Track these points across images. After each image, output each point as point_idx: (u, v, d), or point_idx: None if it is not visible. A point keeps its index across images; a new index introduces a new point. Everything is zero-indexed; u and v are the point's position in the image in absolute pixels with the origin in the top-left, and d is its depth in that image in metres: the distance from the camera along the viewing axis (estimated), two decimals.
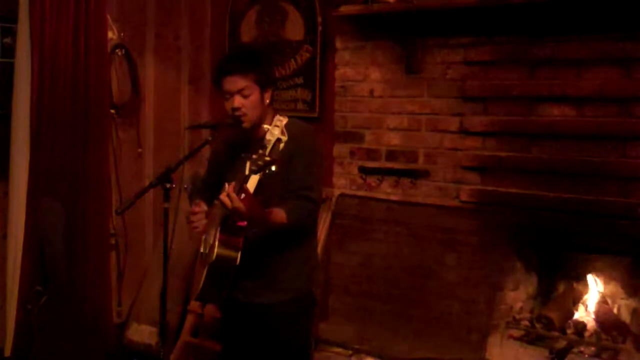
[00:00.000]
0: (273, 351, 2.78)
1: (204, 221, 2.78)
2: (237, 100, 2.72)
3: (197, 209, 2.78)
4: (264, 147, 2.41)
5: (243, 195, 2.49)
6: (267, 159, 2.39)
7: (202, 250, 2.82)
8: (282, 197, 2.66)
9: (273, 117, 2.83)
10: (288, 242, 2.73)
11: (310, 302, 2.88)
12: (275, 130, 2.74)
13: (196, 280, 2.84)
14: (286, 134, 2.46)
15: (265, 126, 2.73)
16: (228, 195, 2.48)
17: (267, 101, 2.79)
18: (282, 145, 2.41)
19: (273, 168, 2.40)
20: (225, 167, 2.87)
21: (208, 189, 2.96)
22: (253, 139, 2.80)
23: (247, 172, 2.44)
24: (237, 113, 2.73)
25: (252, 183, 2.59)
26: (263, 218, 2.58)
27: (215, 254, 2.60)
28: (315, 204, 2.77)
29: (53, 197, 4.00)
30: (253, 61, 2.79)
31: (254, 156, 2.44)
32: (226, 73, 2.75)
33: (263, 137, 2.76)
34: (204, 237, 2.81)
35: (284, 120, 2.81)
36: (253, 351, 2.83)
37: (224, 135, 2.90)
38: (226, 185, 2.65)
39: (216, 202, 2.82)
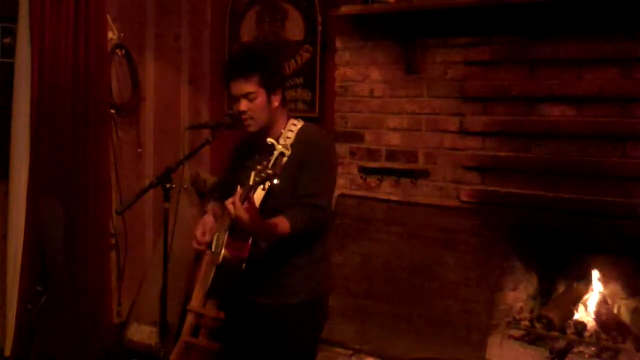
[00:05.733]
0: (279, 353, 2.76)
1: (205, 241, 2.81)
2: (243, 104, 2.69)
3: (200, 239, 2.81)
4: (268, 159, 2.38)
5: (246, 204, 2.48)
6: (269, 172, 2.36)
7: (212, 248, 2.81)
8: (289, 204, 2.64)
9: (287, 120, 2.80)
10: (297, 246, 2.70)
11: (319, 306, 2.85)
12: (288, 134, 2.73)
13: (206, 275, 2.85)
14: (290, 149, 2.41)
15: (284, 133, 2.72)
16: (233, 203, 2.47)
17: (276, 104, 2.74)
18: (285, 159, 2.37)
19: (275, 181, 2.36)
20: (238, 169, 2.85)
21: (224, 189, 2.93)
22: (265, 142, 2.78)
23: (250, 182, 2.42)
24: (243, 117, 2.71)
25: (260, 192, 2.58)
26: (264, 229, 2.55)
27: (221, 257, 2.60)
28: (322, 211, 2.70)
29: (53, 197, 4.00)
30: (256, 64, 2.72)
31: (259, 167, 2.40)
32: (231, 77, 2.72)
33: (276, 141, 2.74)
34: (216, 235, 2.80)
35: (299, 125, 2.78)
36: (258, 353, 2.81)
37: (245, 135, 2.87)
38: (239, 188, 2.63)
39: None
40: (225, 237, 2.62)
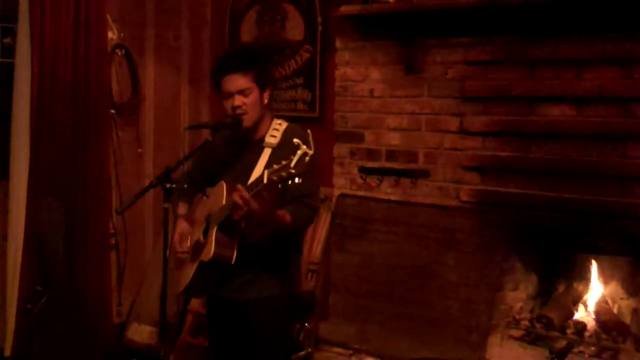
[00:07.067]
0: (255, 346, 2.79)
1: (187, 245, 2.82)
2: (238, 99, 2.73)
3: (178, 248, 2.81)
4: (290, 159, 2.38)
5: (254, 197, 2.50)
6: (292, 171, 2.37)
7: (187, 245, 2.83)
8: (282, 202, 2.66)
9: (271, 119, 2.84)
10: (277, 243, 2.73)
11: (291, 300, 2.89)
12: (274, 133, 2.75)
13: (183, 274, 2.84)
14: (312, 147, 2.41)
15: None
16: (242, 197, 2.49)
17: (266, 101, 2.80)
18: (307, 158, 2.38)
19: (297, 180, 2.38)
20: (220, 166, 2.87)
21: (194, 184, 2.97)
22: (251, 139, 2.80)
23: (265, 181, 2.42)
24: (238, 111, 2.73)
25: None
26: (273, 220, 2.59)
27: (212, 253, 2.61)
28: (315, 211, 2.80)
29: (53, 197, 4.01)
30: (253, 60, 2.80)
31: (276, 166, 2.40)
32: (226, 72, 2.75)
33: (261, 139, 2.76)
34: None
35: (283, 125, 2.82)
36: (236, 347, 2.84)
37: (221, 132, 2.90)
38: (223, 184, 2.68)
39: (206, 199, 2.84)
40: (215, 233, 2.62)
